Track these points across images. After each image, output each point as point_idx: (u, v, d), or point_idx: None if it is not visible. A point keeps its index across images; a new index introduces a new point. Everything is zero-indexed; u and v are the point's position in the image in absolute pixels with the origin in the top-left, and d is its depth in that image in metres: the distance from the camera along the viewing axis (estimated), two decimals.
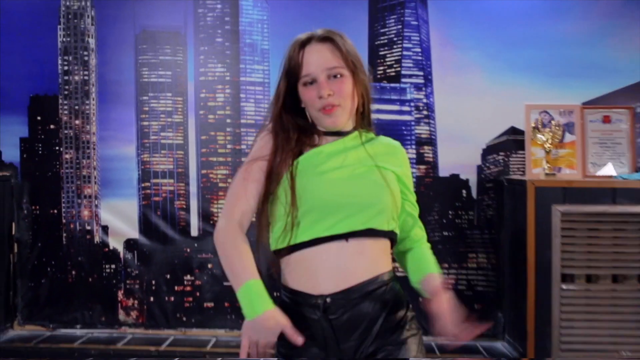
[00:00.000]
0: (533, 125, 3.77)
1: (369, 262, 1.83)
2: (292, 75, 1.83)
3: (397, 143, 1.99)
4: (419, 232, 1.99)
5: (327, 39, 1.82)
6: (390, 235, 1.85)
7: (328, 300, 1.76)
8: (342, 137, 1.88)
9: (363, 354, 1.80)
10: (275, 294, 1.83)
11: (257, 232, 1.87)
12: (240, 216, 1.81)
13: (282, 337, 1.72)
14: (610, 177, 3.64)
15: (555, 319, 3.37)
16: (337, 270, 1.79)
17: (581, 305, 3.39)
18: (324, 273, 1.79)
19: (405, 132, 4.09)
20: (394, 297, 1.84)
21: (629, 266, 3.42)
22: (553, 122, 3.75)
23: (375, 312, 1.80)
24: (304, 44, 1.82)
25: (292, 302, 1.82)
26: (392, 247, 1.93)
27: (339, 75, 1.80)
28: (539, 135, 3.70)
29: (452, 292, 1.81)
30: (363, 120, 1.94)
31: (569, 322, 3.38)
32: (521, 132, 3.92)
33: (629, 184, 3.44)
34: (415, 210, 1.97)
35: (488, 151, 4.09)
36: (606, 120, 3.78)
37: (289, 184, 1.79)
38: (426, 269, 1.90)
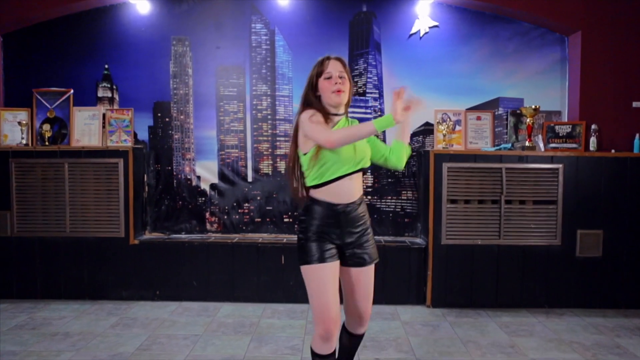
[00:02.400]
0: (437, 121, 4.93)
1: (358, 189, 2.60)
2: (319, 74, 2.56)
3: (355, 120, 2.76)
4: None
5: (339, 59, 2.60)
6: (366, 169, 2.65)
7: (344, 206, 2.55)
8: (341, 118, 2.60)
9: (357, 233, 2.59)
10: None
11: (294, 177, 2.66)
12: (331, 131, 2.43)
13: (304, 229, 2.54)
14: (479, 149, 4.81)
15: (444, 224, 4.62)
16: (346, 193, 2.55)
17: (459, 217, 4.63)
18: (341, 194, 2.54)
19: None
20: (365, 208, 2.67)
21: (486, 194, 4.61)
22: (449, 119, 4.92)
23: (362, 213, 2.61)
24: (328, 58, 2.59)
25: (323, 206, 2.54)
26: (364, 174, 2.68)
27: (344, 77, 2.56)
28: (440, 127, 4.82)
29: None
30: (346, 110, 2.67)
31: (452, 225, 4.62)
32: (431, 125, 5.06)
33: (486, 152, 4.64)
34: (385, 145, 2.72)
35: (413, 135, 5.15)
36: (478, 118, 4.98)
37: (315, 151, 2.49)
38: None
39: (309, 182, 2.58)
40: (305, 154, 2.56)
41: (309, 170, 2.56)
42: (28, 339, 3.90)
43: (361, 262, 2.64)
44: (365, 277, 2.66)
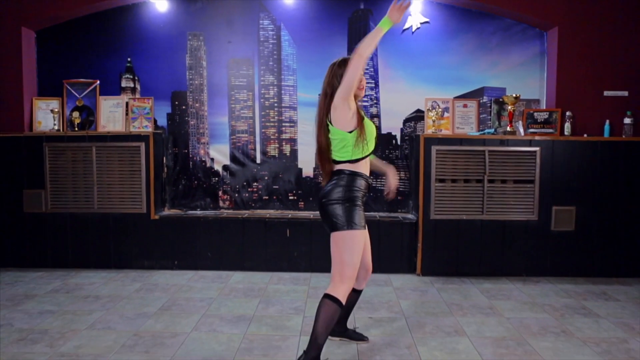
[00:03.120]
0: (428, 108, 5.11)
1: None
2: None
3: None
4: None
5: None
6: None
7: (370, 178, 2.94)
8: None
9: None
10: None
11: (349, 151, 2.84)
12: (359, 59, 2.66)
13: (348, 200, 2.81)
14: (465, 134, 4.97)
15: (433, 201, 4.79)
16: (368, 167, 2.95)
17: (447, 194, 4.79)
18: (367, 168, 2.93)
19: (364, 111, 4.73)
20: None
21: (470, 174, 4.77)
22: (438, 107, 5.10)
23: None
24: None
25: (363, 178, 2.88)
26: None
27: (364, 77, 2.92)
28: (430, 114, 5.02)
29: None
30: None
31: (440, 202, 4.79)
32: (422, 112, 5.23)
33: (471, 136, 4.80)
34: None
35: (406, 121, 5.32)
36: (465, 106, 5.17)
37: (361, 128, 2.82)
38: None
39: (352, 156, 2.85)
40: (351, 132, 2.81)
41: (353, 146, 2.83)
42: (63, 301, 4.18)
43: (367, 224, 3.05)
44: (368, 235, 3.10)
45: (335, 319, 2.83)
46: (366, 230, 3.02)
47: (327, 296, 2.82)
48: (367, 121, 2.91)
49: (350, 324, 3.49)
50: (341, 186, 2.85)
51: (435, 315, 3.90)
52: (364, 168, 2.90)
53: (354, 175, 2.86)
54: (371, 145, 2.91)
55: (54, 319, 3.77)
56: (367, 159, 2.92)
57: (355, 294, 3.20)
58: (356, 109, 2.82)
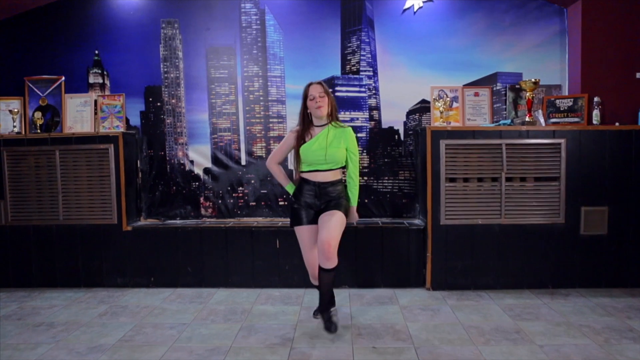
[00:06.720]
0: (434, 98, 4.39)
1: (333, 176, 3.25)
2: (305, 97, 3.21)
3: (348, 128, 3.26)
4: (352, 171, 3.28)
5: (319, 83, 3.22)
6: (341, 168, 3.30)
7: (319, 184, 3.21)
8: (322, 129, 3.21)
9: (326, 204, 3.22)
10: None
11: (294, 165, 3.30)
12: (276, 158, 3.38)
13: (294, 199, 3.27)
14: (478, 125, 4.18)
15: (443, 203, 4.07)
16: (321, 177, 3.22)
17: (459, 195, 4.07)
18: (316, 177, 3.23)
19: (362, 103, 4.56)
20: (341, 189, 3.29)
21: (485, 172, 4.06)
22: (445, 96, 4.38)
23: (333, 192, 3.24)
24: (310, 85, 3.22)
25: (306, 182, 3.24)
26: (344, 169, 3.34)
27: (323, 95, 3.19)
28: (437, 104, 4.32)
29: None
30: (332, 117, 3.24)
31: (451, 204, 4.07)
32: (428, 102, 4.53)
33: (485, 129, 4.05)
34: (354, 160, 3.27)
35: (409, 113, 4.61)
36: (476, 94, 4.44)
37: (296, 153, 3.24)
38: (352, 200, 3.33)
39: (299, 170, 3.32)
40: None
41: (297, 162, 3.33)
42: (10, 331, 3.38)
43: (325, 210, 3.23)
44: (326, 216, 3.18)
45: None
46: (323, 214, 3.22)
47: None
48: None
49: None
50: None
51: (452, 344, 3.05)
52: (311, 176, 3.26)
53: (301, 181, 3.38)
54: (308, 165, 3.25)
55: None
56: (316, 172, 3.24)
57: (321, 271, 3.15)
58: (284, 143, 3.40)
